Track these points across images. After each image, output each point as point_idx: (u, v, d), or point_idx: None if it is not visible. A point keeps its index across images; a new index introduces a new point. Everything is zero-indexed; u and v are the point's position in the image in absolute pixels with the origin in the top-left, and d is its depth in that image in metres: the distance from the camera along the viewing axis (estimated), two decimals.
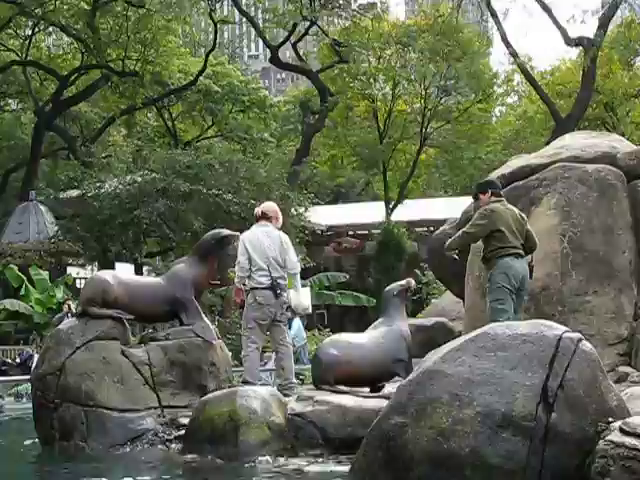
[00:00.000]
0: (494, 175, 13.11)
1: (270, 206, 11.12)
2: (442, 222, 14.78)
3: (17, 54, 37.72)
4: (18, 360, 22.94)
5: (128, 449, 9.69)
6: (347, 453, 8.20)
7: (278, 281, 10.58)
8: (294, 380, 10.80)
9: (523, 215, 10.52)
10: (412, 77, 40.26)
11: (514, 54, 35.95)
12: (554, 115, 36.31)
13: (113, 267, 36.74)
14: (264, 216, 10.87)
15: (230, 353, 11.63)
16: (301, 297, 11.33)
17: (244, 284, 10.86)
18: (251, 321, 10.70)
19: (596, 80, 36.25)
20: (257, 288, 10.60)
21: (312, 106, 43.13)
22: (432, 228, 33.05)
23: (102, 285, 10.59)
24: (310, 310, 12.00)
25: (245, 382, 10.49)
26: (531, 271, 10.28)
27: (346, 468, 7.43)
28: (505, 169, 12.93)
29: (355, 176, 51.65)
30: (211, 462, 8.53)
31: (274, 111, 45.77)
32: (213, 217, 27.15)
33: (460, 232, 10.53)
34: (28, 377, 13.81)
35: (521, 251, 10.21)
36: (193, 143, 41.45)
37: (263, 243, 10.63)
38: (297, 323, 23.20)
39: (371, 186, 52.59)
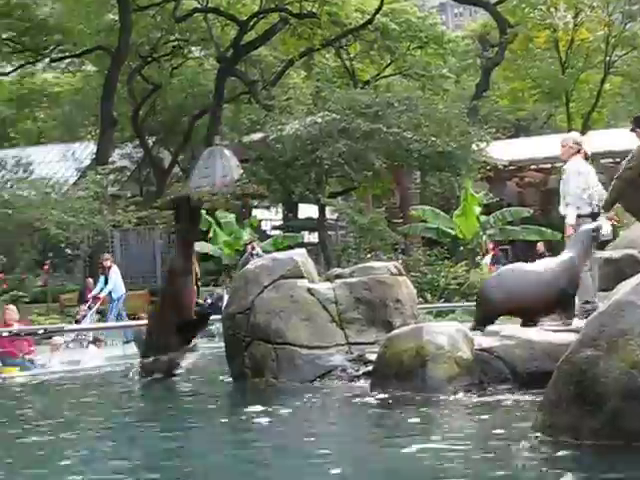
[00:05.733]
0: None
1: (582, 140, 11.59)
2: (628, 153, 14.32)
3: (198, 2, 38.42)
4: (209, 301, 23.61)
5: (318, 384, 9.89)
6: (535, 388, 8.13)
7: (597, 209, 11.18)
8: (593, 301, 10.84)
9: None
10: (595, 4, 38.90)
11: None
12: None
13: (297, 208, 37.48)
14: (578, 148, 11.31)
15: (414, 290, 11.67)
16: (604, 224, 11.78)
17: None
18: None
19: None
20: (582, 216, 11.13)
21: (491, 39, 42.39)
22: (618, 159, 32.09)
23: None
24: (611, 236, 12.44)
25: (586, 302, 10.80)
26: None
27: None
28: None
29: (537, 109, 50.48)
30: (400, 397, 8.60)
31: (452, 46, 45.08)
32: (393, 155, 27.19)
33: (613, 183, 10.36)
34: (219, 317, 14.25)
35: None
36: (372, 82, 41.38)
37: (588, 174, 11.22)
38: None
39: (553, 118, 51.37)
